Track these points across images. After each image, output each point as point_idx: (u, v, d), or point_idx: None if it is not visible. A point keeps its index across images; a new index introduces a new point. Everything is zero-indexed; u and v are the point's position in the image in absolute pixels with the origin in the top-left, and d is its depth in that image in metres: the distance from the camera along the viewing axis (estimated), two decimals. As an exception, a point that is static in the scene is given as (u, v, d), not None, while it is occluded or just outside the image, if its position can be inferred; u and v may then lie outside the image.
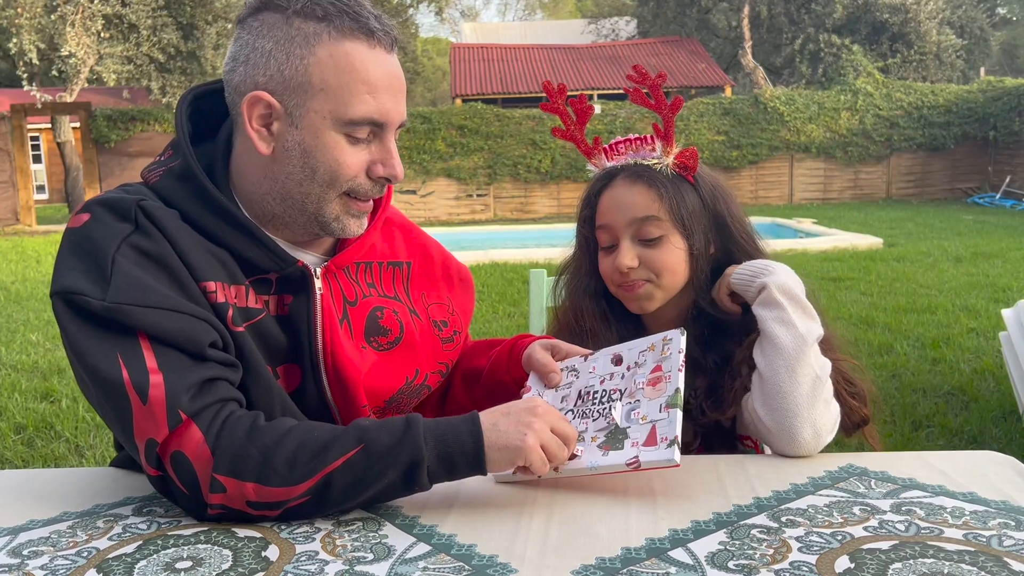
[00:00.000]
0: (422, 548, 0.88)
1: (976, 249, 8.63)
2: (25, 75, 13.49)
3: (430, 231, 1.44)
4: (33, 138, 20.15)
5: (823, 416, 1.13)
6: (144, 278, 0.97)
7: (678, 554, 0.86)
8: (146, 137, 14.51)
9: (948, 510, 0.95)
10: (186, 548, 0.89)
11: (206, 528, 0.94)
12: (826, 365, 1.17)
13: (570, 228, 1.47)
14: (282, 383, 1.10)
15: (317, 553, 0.88)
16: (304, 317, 1.10)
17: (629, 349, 1.15)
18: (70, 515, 1.00)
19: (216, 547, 0.89)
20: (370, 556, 0.87)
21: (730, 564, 0.83)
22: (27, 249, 10.81)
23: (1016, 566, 0.81)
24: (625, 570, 0.82)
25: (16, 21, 12.77)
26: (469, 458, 0.96)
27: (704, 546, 0.87)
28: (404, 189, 15.06)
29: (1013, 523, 0.91)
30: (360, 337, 1.17)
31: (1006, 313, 3.48)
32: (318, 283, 1.12)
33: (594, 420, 1.09)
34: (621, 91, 18.09)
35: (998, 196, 15.10)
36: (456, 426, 0.98)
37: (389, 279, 1.25)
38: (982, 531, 0.89)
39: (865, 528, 0.90)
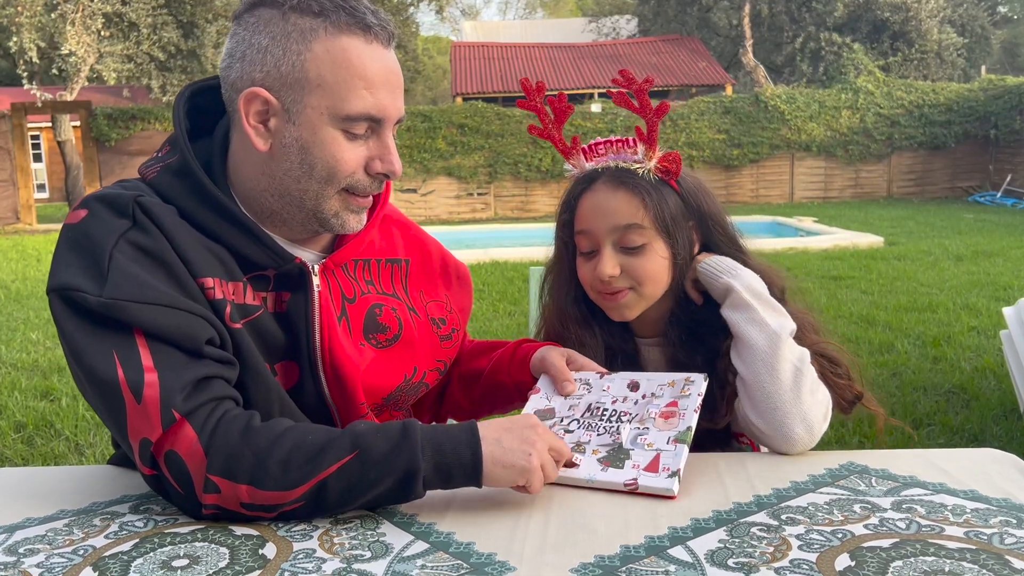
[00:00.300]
0: (420, 546, 0.88)
1: (977, 248, 8.62)
2: (25, 74, 13.49)
3: (430, 230, 1.43)
4: (33, 137, 20.14)
5: (812, 407, 1.13)
6: (141, 275, 0.96)
7: (677, 552, 0.85)
8: (146, 136, 14.50)
9: (949, 508, 0.94)
10: (183, 546, 0.89)
11: (203, 526, 0.94)
12: (804, 355, 1.17)
13: None
14: (280, 380, 1.10)
15: (315, 551, 0.87)
16: (302, 314, 1.09)
17: (648, 379, 1.18)
18: (67, 513, 1.00)
19: (213, 545, 0.89)
20: (368, 554, 0.86)
21: (730, 562, 0.82)
22: (27, 248, 10.81)
23: (1017, 564, 0.80)
24: (624, 568, 0.82)
25: (16, 19, 12.76)
26: (466, 470, 0.95)
27: (704, 544, 0.87)
28: (405, 188, 15.06)
29: (1014, 521, 0.91)
30: (359, 334, 1.17)
31: (1007, 311, 3.47)
32: (316, 280, 1.11)
33: (599, 435, 1.10)
34: (622, 90, 18.12)
35: (999, 195, 15.09)
36: (455, 436, 0.97)
37: (388, 276, 1.25)
38: (983, 529, 0.89)
39: (866, 526, 0.90)
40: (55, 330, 1.03)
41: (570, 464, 1.04)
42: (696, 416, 1.09)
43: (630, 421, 1.11)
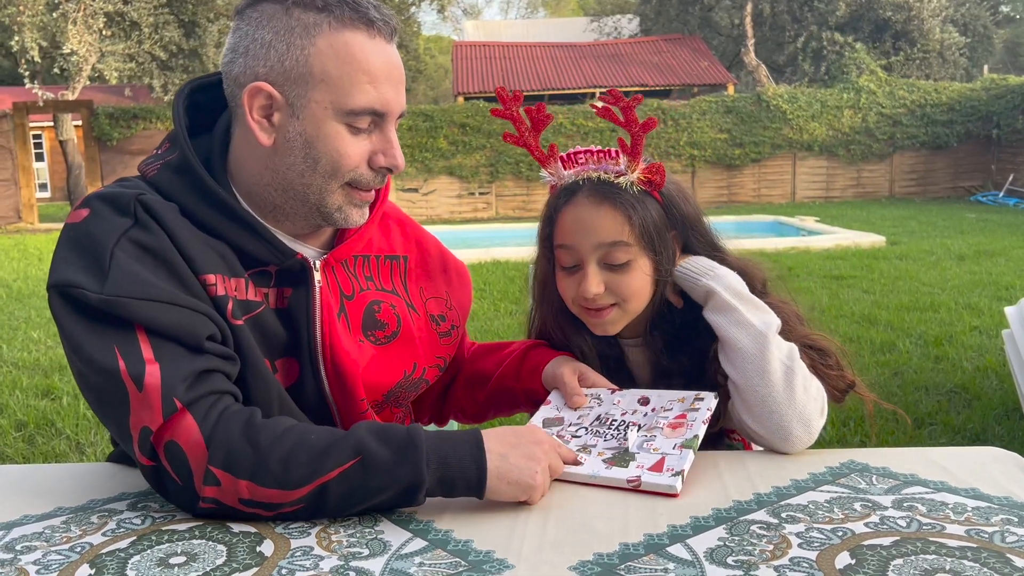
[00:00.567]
0: (418, 543, 0.88)
1: (979, 247, 8.61)
2: (27, 73, 13.49)
3: (432, 229, 1.43)
4: (36, 136, 20.17)
5: (806, 404, 1.12)
6: (142, 272, 0.96)
7: (677, 550, 0.85)
8: (148, 135, 14.51)
9: (950, 506, 0.94)
10: (180, 543, 0.89)
11: (200, 523, 0.94)
12: (792, 352, 1.16)
13: None
14: (280, 377, 1.09)
15: (312, 548, 0.87)
16: (303, 310, 1.09)
17: (659, 396, 1.19)
18: (64, 510, 0.99)
19: (210, 542, 0.89)
20: (366, 551, 0.86)
21: (729, 560, 0.82)
22: (29, 247, 10.81)
23: (1019, 562, 0.80)
24: (623, 566, 0.82)
25: (18, 18, 12.76)
26: (470, 483, 0.95)
27: (703, 542, 0.86)
28: (406, 188, 15.06)
29: (1016, 519, 0.90)
30: (358, 331, 1.17)
31: (1009, 310, 3.46)
32: (317, 276, 1.11)
33: (605, 440, 1.11)
34: (624, 89, 18.13)
35: (1001, 194, 15.07)
36: (459, 447, 0.96)
37: (387, 273, 1.25)
38: (985, 527, 0.88)
39: (866, 524, 0.89)
40: (56, 328, 1.02)
41: (574, 462, 1.05)
42: (704, 428, 1.10)
43: (638, 429, 1.11)
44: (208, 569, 0.82)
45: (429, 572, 0.81)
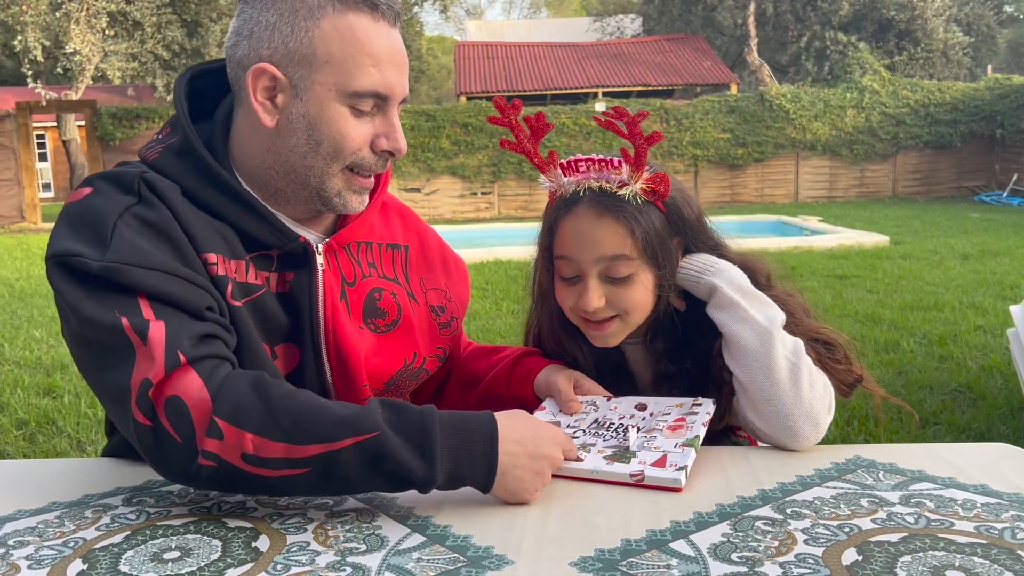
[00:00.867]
0: (416, 539, 0.86)
1: (983, 247, 8.57)
2: (30, 72, 13.49)
3: (435, 229, 1.42)
4: (39, 136, 20.20)
5: (813, 401, 1.10)
6: (144, 244, 0.95)
7: (680, 546, 0.83)
8: (151, 135, 14.39)
9: (959, 502, 0.92)
10: (175, 538, 0.87)
11: (196, 518, 0.92)
12: (798, 347, 1.13)
13: None
14: (280, 363, 1.08)
15: (308, 544, 0.85)
16: (305, 293, 1.09)
17: (656, 402, 1.18)
18: (58, 505, 0.98)
19: (205, 537, 0.87)
20: (363, 547, 0.84)
21: (733, 556, 0.80)
22: (32, 246, 10.82)
23: (1030, 559, 0.78)
24: (625, 562, 0.80)
25: (21, 18, 12.77)
26: (478, 482, 0.94)
27: (706, 538, 0.85)
28: (409, 188, 15.05)
29: (1026, 515, 0.88)
30: (358, 317, 1.16)
31: (1014, 309, 3.44)
32: (320, 259, 1.11)
33: (605, 440, 1.09)
34: (626, 89, 18.13)
35: (1005, 194, 15.02)
36: (473, 445, 0.93)
37: (389, 260, 1.24)
38: (994, 523, 0.86)
39: (873, 520, 0.88)
40: (58, 328, 1.00)
41: (575, 458, 1.04)
42: (704, 430, 1.08)
43: (637, 431, 1.10)
44: (202, 564, 0.81)
45: (427, 568, 0.80)
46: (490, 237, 11.11)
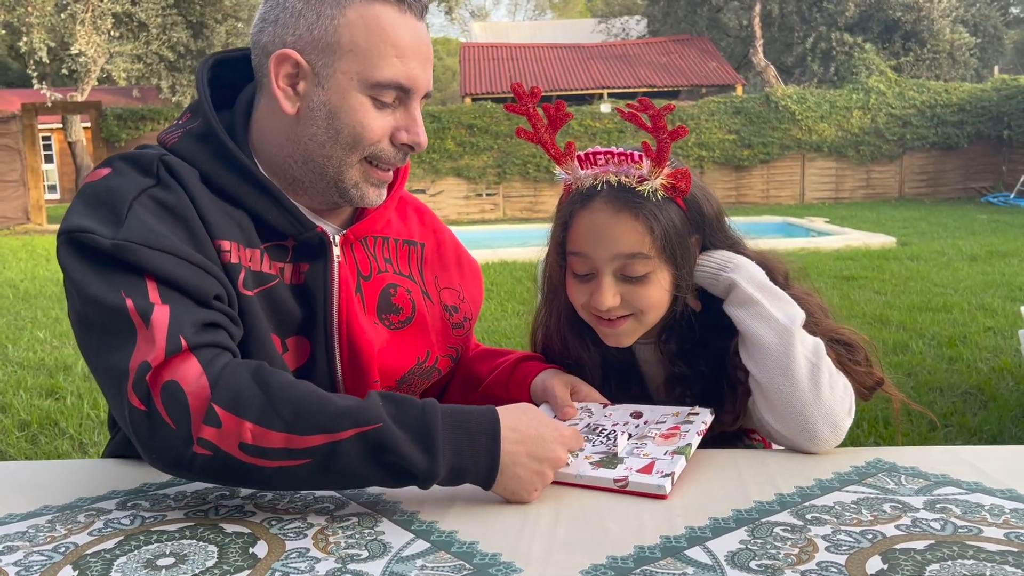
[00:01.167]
0: (420, 545, 0.83)
1: (991, 248, 8.51)
2: (35, 74, 13.50)
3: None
4: (45, 138, 20.25)
5: (833, 403, 1.06)
6: (158, 226, 0.94)
7: (696, 553, 0.80)
8: (156, 136, 14.53)
9: (986, 508, 0.88)
10: (169, 544, 0.84)
11: (192, 523, 0.89)
12: (818, 347, 1.09)
13: None
14: (291, 356, 1.06)
15: (308, 550, 0.82)
16: (320, 285, 1.07)
17: (652, 410, 1.15)
18: (51, 509, 0.95)
19: (201, 543, 0.84)
20: (364, 553, 0.81)
21: (752, 564, 0.77)
22: (37, 247, 10.82)
23: (1065, 568, 0.74)
24: (639, 570, 0.76)
25: (26, 20, 12.78)
26: (479, 477, 0.91)
27: (724, 545, 0.81)
28: (414, 189, 15.02)
29: (1057, 522, 0.84)
30: (372, 313, 1.14)
31: (1026, 310, 3.40)
32: (336, 251, 1.09)
33: (594, 446, 1.06)
34: (632, 90, 18.09)
35: (1012, 195, 14.93)
36: (476, 439, 0.90)
37: (405, 257, 1.23)
38: (1024, 530, 0.82)
39: (897, 527, 0.84)
40: (62, 329, 0.98)
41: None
42: (699, 439, 1.04)
43: (628, 437, 1.07)
44: (197, 571, 0.78)
45: (431, 575, 0.76)
46: (495, 238, 11.09)
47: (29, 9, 12.71)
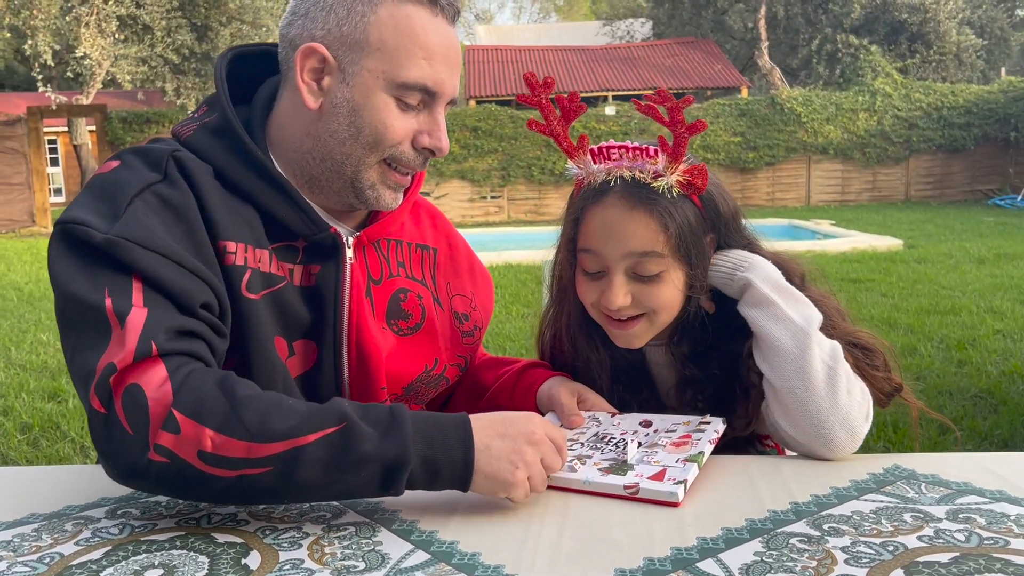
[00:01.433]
0: (420, 556, 0.79)
1: (999, 250, 8.45)
2: (40, 77, 13.51)
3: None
4: (51, 141, 20.30)
5: (851, 408, 1.02)
6: (156, 225, 0.92)
7: (708, 566, 0.76)
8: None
9: (1012, 518, 0.84)
10: (158, 554, 0.80)
11: (183, 532, 0.85)
12: (835, 350, 1.05)
13: None
14: (297, 360, 1.04)
15: (303, 561, 0.78)
16: (331, 287, 1.05)
17: (662, 419, 1.11)
18: (37, 517, 0.91)
19: (191, 553, 0.80)
20: (361, 565, 0.77)
21: (768, 578, 0.73)
22: (41, 250, 10.83)
23: (1098, 583, 0.70)
24: (648, 584, 0.73)
25: (32, 22, 12.80)
26: (456, 467, 0.86)
27: (737, 557, 0.77)
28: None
29: (1087, 533, 0.81)
30: (381, 317, 1.12)
31: (1037, 313, 3.35)
32: (349, 253, 1.07)
33: (603, 453, 1.02)
34: (636, 92, 18.05)
35: (1020, 198, 14.85)
36: (446, 430, 0.87)
37: (418, 261, 1.21)
38: (1053, 542, 0.79)
39: (920, 538, 0.80)
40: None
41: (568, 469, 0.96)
42: (711, 448, 1.01)
43: (639, 445, 1.03)
44: (186, 584, 0.74)
45: (431, 589, 0.73)
46: (499, 241, 11.06)
47: (34, 12, 12.72)
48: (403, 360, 1.13)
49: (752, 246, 1.19)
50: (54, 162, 21.80)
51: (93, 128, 15.05)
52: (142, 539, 0.84)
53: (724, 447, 1.11)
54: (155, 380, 0.82)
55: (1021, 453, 1.06)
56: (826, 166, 15.86)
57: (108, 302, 0.86)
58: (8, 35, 14.21)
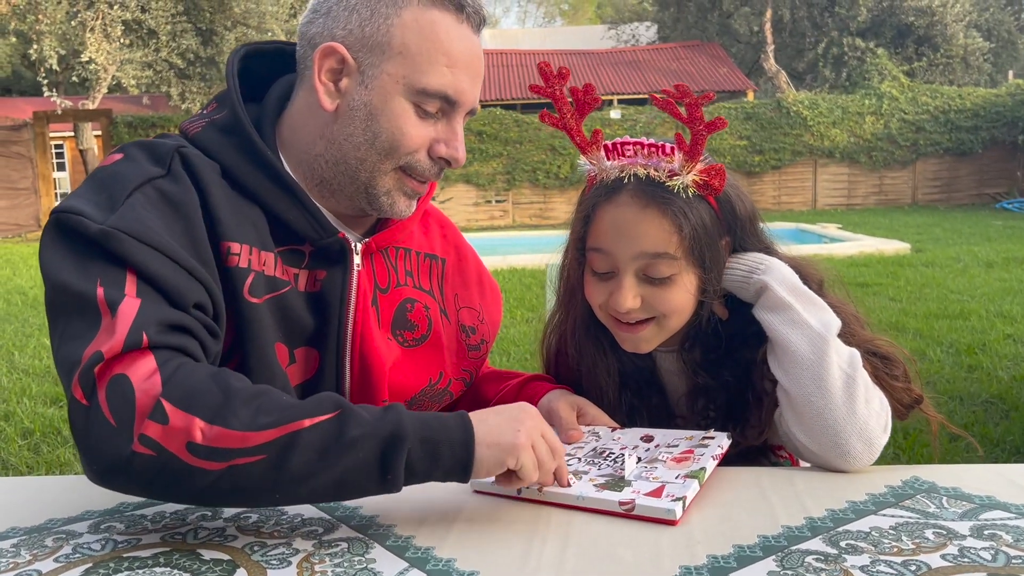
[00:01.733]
0: (414, 575, 0.75)
1: (1008, 254, 8.38)
2: (46, 82, 13.54)
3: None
4: (57, 146, 20.34)
5: (869, 419, 0.98)
6: (154, 220, 0.88)
7: (719, 586, 0.72)
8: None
9: (1040, 535, 0.80)
10: (140, 572, 0.76)
11: (167, 548, 0.82)
12: (854, 358, 1.01)
13: None
14: (298, 368, 1.00)
15: (291, 580, 0.74)
16: (337, 294, 1.01)
17: (664, 434, 1.07)
18: (17, 531, 0.88)
19: (175, 571, 0.76)
20: (353, 585, 0.73)
21: (783, 600, 0.69)
22: (46, 254, 10.84)
23: None
24: (656, 606, 0.69)
25: (37, 27, 12.83)
26: (455, 445, 0.82)
27: (750, 576, 0.73)
28: (422, 195, 15.01)
29: (1120, 551, 0.76)
30: (387, 327, 1.08)
31: (1050, 317, 3.29)
32: (357, 259, 1.04)
33: (600, 469, 0.98)
34: (642, 96, 18.03)
35: (1028, 201, 14.78)
36: (442, 417, 0.84)
37: (426, 271, 1.17)
38: (1085, 561, 0.74)
39: (943, 557, 0.76)
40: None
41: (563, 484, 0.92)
42: (714, 464, 0.96)
43: (637, 461, 0.98)
44: (168, 605, 0.70)
45: (426, 611, 0.69)
46: (504, 245, 11.02)
47: (40, 17, 12.75)
48: (407, 372, 1.10)
49: (769, 251, 1.14)
50: (60, 167, 21.86)
51: (99, 133, 15.07)
52: (124, 556, 0.80)
53: (735, 458, 1.07)
54: (143, 371, 0.78)
55: (1046, 465, 1.01)
56: (832, 170, 15.80)
57: (100, 291, 0.82)
58: (14, 40, 14.26)
